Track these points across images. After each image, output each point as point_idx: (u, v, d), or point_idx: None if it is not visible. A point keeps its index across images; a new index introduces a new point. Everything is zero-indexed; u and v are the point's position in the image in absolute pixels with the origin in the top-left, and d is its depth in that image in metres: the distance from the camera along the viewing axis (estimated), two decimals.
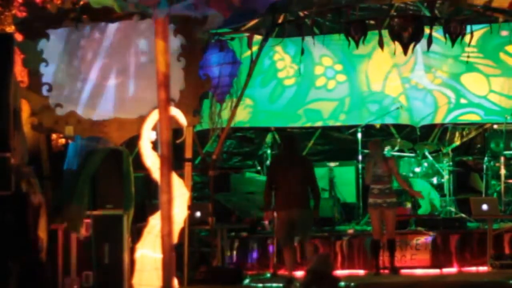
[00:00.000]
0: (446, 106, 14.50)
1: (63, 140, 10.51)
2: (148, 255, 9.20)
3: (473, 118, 14.53)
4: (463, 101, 14.44)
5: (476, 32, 12.31)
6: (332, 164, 13.99)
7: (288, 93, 14.92)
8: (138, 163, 9.86)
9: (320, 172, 14.00)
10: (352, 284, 10.19)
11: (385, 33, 11.30)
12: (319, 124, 15.05)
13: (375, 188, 11.06)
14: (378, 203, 10.97)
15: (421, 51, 13.97)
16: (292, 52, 14.60)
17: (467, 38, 11.13)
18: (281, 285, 10.32)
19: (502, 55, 14.08)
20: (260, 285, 10.53)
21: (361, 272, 11.58)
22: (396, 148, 13.69)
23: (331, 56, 14.65)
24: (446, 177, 13.30)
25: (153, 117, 8.71)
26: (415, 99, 14.54)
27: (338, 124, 14.99)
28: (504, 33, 12.83)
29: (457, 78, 14.42)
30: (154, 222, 9.03)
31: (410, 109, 14.56)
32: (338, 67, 14.78)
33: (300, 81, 14.79)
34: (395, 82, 14.64)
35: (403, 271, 11.20)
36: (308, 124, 15.07)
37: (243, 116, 14.55)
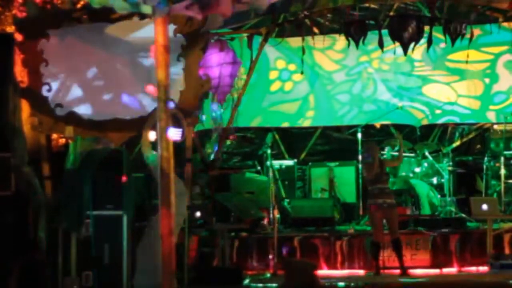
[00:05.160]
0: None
1: (63, 140, 10.51)
2: (148, 255, 9.22)
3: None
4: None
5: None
6: (332, 164, 13.98)
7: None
8: (138, 163, 9.89)
9: (320, 172, 14.03)
10: (352, 284, 10.18)
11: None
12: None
13: (375, 188, 11.05)
14: (379, 203, 10.95)
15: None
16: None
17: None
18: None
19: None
20: (260, 285, 10.52)
21: (361, 272, 11.56)
22: (396, 148, 13.66)
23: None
24: (446, 177, 13.28)
25: (153, 117, 8.73)
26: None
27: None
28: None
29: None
30: (154, 222, 9.04)
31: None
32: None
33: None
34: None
35: None
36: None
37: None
